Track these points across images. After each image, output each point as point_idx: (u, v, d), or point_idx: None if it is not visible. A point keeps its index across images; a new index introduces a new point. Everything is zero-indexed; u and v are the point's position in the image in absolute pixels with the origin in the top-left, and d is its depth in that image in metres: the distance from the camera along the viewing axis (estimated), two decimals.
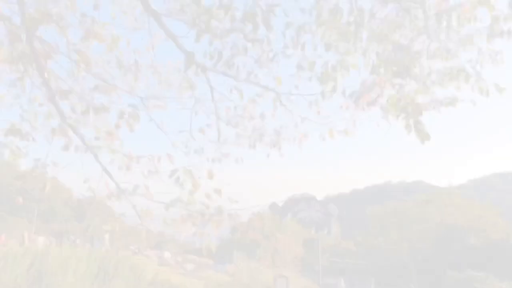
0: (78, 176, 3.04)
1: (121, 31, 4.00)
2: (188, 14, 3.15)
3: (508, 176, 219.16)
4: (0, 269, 4.76)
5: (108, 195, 3.12)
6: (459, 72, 4.53)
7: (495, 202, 43.59)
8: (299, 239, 27.60)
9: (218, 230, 3.27)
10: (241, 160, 4.51)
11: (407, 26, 4.13)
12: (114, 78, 3.80)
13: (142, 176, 2.97)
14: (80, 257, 6.98)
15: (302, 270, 38.82)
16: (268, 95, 3.60)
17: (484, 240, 33.33)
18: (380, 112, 4.08)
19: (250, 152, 3.97)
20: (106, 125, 3.00)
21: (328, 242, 59.07)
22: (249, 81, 3.38)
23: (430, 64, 5.25)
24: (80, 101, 2.79)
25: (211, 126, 3.79)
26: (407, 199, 44.08)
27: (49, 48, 2.16)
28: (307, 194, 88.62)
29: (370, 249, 44.26)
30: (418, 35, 4.15)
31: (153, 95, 4.14)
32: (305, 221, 73.63)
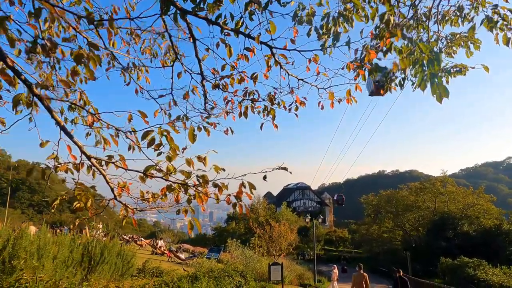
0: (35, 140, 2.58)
1: None
2: None
3: (499, 165, 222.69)
4: None
5: (74, 165, 2.67)
6: (473, 33, 4.10)
7: (486, 191, 43.91)
8: (294, 228, 27.45)
9: (203, 203, 2.85)
10: (231, 132, 4.08)
11: None
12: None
13: (112, 140, 2.51)
14: (63, 243, 6.55)
15: (296, 258, 38.97)
16: (260, 52, 3.12)
17: (477, 227, 33.62)
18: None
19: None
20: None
21: (322, 231, 59.59)
22: (238, 32, 2.89)
23: (439, 29, 4.82)
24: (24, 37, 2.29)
25: (195, 90, 3.32)
26: (401, 187, 44.19)
27: None
28: (302, 184, 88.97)
29: (365, 237, 44.65)
30: None
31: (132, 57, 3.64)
32: (299, 210, 74.04)
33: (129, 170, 2.58)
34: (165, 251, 23.27)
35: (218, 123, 3.41)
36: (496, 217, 34.98)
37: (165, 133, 2.27)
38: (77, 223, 3.31)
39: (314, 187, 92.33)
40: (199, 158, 2.54)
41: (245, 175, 2.40)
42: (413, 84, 4.49)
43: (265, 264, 19.12)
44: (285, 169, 2.43)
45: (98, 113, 2.53)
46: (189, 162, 2.37)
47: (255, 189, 2.40)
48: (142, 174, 2.56)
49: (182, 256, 21.18)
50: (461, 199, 37.44)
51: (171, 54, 4.16)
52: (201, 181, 2.41)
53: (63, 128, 2.28)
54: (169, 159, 2.37)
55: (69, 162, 2.58)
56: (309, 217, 31.69)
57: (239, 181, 2.54)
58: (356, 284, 13.03)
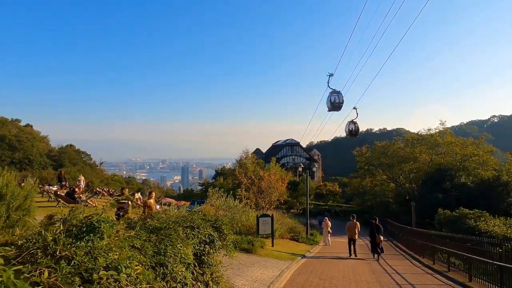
0: None
1: None
2: None
3: (483, 124, 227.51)
4: None
5: None
6: None
7: None
8: (286, 178, 25.16)
9: None
10: None
11: None
12: None
13: None
14: None
15: (287, 212, 37.51)
16: None
17: (474, 178, 32.12)
18: None
19: None
20: None
21: (312, 185, 58.37)
22: None
23: None
24: None
25: None
26: (396, 139, 41.90)
27: None
28: (291, 140, 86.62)
29: (357, 190, 43.12)
30: None
31: None
32: (288, 166, 72.53)
33: None
34: (141, 205, 20.89)
35: None
36: (495, 168, 33.46)
37: None
38: None
39: (303, 145, 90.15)
40: None
41: None
42: None
43: (252, 217, 16.76)
44: None
45: None
46: None
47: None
48: None
49: (158, 207, 18.77)
50: (459, 150, 35.55)
51: None
52: None
53: None
54: None
55: None
56: (302, 166, 29.43)
57: None
58: (349, 230, 15.78)
